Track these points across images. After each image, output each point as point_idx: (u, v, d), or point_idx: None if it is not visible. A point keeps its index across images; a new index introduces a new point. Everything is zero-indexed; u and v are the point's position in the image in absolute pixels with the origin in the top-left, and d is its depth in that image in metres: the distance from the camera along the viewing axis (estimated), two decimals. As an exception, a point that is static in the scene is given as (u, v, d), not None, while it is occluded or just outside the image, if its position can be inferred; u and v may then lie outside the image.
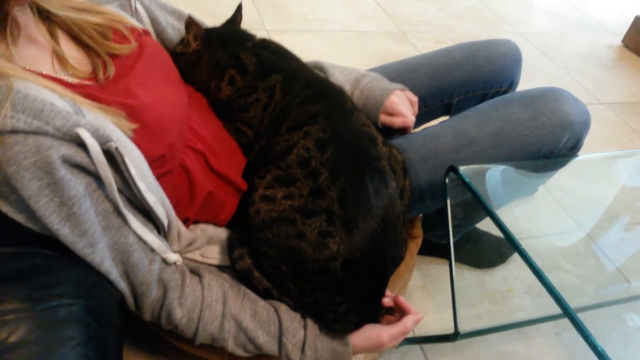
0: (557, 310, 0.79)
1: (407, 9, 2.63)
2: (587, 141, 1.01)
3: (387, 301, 0.86)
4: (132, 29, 0.81)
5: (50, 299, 0.58)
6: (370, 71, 1.09)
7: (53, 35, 0.71)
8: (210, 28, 0.96)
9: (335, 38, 2.25)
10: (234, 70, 0.88)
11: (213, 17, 1.02)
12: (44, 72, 0.66)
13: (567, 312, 0.76)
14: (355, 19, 2.43)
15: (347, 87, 1.01)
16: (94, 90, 0.69)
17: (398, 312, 0.87)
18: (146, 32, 0.86)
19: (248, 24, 0.97)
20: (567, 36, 2.75)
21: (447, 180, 0.91)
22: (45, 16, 0.71)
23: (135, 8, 0.86)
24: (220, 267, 0.84)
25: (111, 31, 0.76)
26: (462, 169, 0.89)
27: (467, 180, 0.87)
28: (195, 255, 0.83)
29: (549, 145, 0.95)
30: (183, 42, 0.91)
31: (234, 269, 0.82)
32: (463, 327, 0.92)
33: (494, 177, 0.96)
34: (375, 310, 0.85)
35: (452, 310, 0.93)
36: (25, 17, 0.65)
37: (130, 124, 0.67)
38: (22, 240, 0.62)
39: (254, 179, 0.84)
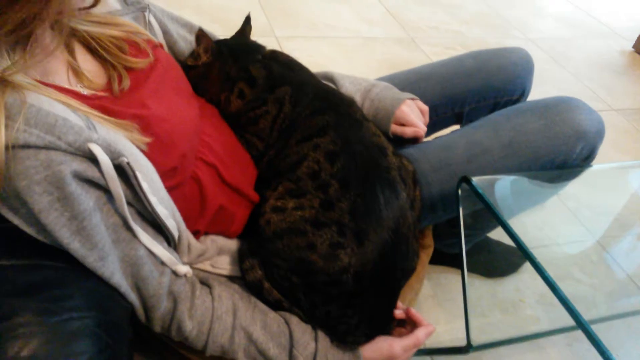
0: (570, 321, 0.78)
1: (416, 14, 2.63)
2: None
3: (398, 313, 0.85)
4: (149, 41, 0.81)
5: (62, 312, 0.58)
6: (380, 80, 1.08)
7: (69, 48, 0.71)
8: (221, 40, 0.97)
9: (343, 44, 2.25)
10: (243, 83, 0.88)
11: (222, 24, 1.02)
12: (58, 84, 0.66)
13: (582, 325, 0.75)
14: (364, 25, 2.43)
15: (357, 97, 1.00)
16: (107, 102, 0.69)
17: (409, 324, 0.86)
18: (160, 45, 0.86)
19: (257, 30, 0.97)
20: (577, 42, 2.74)
21: (459, 191, 0.90)
22: (64, 30, 0.71)
23: (148, 20, 0.86)
24: (231, 278, 0.84)
25: (127, 44, 0.77)
26: (475, 179, 0.88)
27: (479, 191, 0.86)
28: (206, 266, 0.83)
29: (562, 155, 0.94)
30: (193, 54, 0.92)
31: (244, 279, 0.81)
32: (475, 339, 0.90)
33: (506, 187, 0.95)
34: (386, 322, 0.84)
35: (463, 320, 0.92)
36: (42, 30, 0.65)
37: (144, 138, 0.67)
38: (34, 252, 0.62)
39: (264, 191, 0.84)
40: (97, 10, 0.77)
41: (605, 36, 2.85)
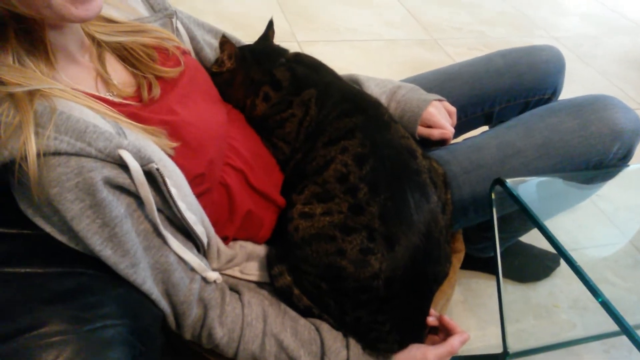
0: (607, 326, 0.75)
1: (437, 15, 2.60)
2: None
3: (431, 320, 0.83)
4: (178, 48, 0.81)
5: (96, 320, 0.58)
6: (407, 81, 1.07)
7: (100, 58, 0.71)
8: (244, 46, 0.96)
9: (365, 47, 2.24)
10: (267, 87, 0.88)
11: (246, 30, 1.02)
12: (86, 91, 0.66)
13: (626, 330, 0.72)
14: (385, 28, 2.42)
15: (383, 99, 0.99)
16: (135, 109, 0.69)
17: (443, 331, 0.84)
18: (187, 52, 0.86)
19: (278, 35, 0.97)
20: (603, 39, 2.67)
21: (492, 194, 0.88)
22: (96, 41, 0.72)
23: (176, 27, 0.86)
24: (259, 284, 0.83)
25: (157, 51, 0.77)
26: (509, 181, 0.85)
27: (515, 193, 0.84)
28: (235, 272, 0.82)
29: (598, 156, 0.90)
30: (218, 61, 0.92)
31: (273, 286, 0.81)
32: (510, 346, 0.88)
33: (540, 189, 0.93)
34: (419, 330, 0.82)
35: (495, 326, 0.89)
36: (63, 39, 0.66)
37: (171, 143, 0.67)
38: (66, 260, 0.62)
39: (291, 195, 0.83)
40: (126, 17, 0.78)
41: (631, 32, 2.78)
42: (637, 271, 1.43)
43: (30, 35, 0.60)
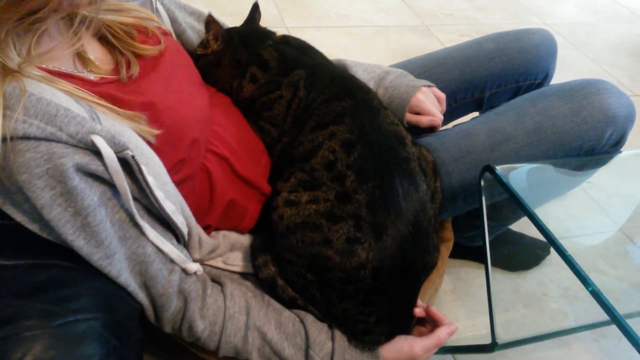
0: (596, 316, 0.74)
1: (431, 2, 2.57)
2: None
3: (418, 311, 0.82)
4: (158, 28, 0.78)
5: (67, 314, 0.55)
6: (395, 67, 1.04)
7: (77, 35, 0.68)
8: (230, 28, 0.94)
9: (357, 33, 2.20)
10: (255, 68, 0.85)
11: (234, 16, 0.99)
12: (63, 70, 0.64)
13: (616, 320, 0.70)
14: (377, 14, 2.38)
15: (371, 85, 0.96)
16: (114, 90, 0.66)
17: (430, 322, 0.83)
18: (168, 33, 0.83)
19: (267, 21, 0.94)
20: (598, 27, 2.65)
21: (482, 181, 0.86)
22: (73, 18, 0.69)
23: (155, 8, 0.83)
24: (243, 275, 0.81)
25: (136, 30, 0.74)
26: (499, 168, 0.83)
27: (504, 180, 0.82)
28: (218, 262, 0.80)
29: (591, 141, 0.89)
30: (203, 43, 0.89)
31: (257, 276, 0.79)
32: (498, 336, 0.86)
33: (531, 176, 0.91)
34: (406, 321, 0.81)
35: (484, 316, 0.88)
36: (54, 21, 0.63)
37: (152, 130, 0.64)
38: (38, 251, 0.60)
39: (277, 183, 0.80)
40: None
41: (627, 20, 2.76)
42: (628, 260, 1.42)
43: (32, 17, 0.57)
